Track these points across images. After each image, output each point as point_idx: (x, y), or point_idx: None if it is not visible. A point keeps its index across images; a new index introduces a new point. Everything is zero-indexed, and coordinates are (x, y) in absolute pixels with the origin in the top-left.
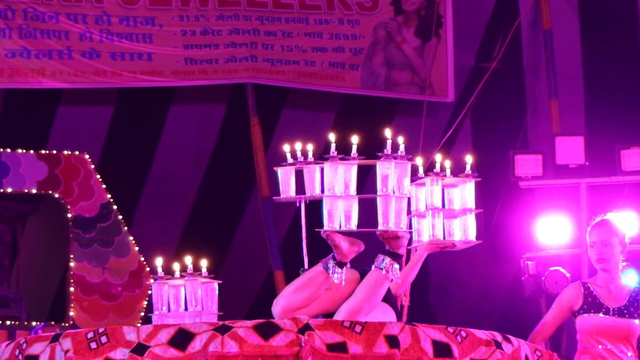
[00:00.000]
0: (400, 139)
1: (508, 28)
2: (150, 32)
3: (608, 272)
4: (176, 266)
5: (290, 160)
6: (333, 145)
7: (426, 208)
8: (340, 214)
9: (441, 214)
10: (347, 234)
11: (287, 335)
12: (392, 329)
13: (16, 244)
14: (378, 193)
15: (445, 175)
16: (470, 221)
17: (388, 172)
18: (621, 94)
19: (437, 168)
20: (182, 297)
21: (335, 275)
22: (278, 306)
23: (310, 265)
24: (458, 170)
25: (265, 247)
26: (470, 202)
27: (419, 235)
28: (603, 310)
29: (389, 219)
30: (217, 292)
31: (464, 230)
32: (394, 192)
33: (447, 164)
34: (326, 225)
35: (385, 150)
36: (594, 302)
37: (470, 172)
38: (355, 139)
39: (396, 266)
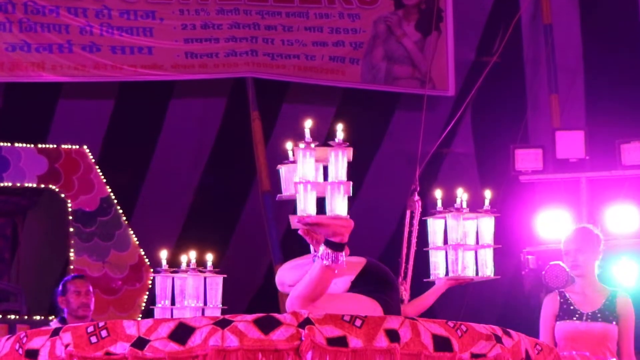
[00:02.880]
0: (340, 126)
1: (508, 22)
2: (150, 25)
3: (583, 278)
4: (183, 258)
5: (292, 157)
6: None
7: (445, 243)
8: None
9: (460, 250)
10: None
11: (287, 330)
12: (392, 323)
13: (16, 238)
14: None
15: (465, 211)
16: (488, 256)
17: (303, 161)
18: (622, 88)
19: (458, 203)
20: (186, 290)
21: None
22: (276, 276)
23: None
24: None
25: (266, 241)
26: (488, 238)
27: (435, 268)
28: (576, 315)
29: (307, 208)
30: (221, 286)
31: (482, 265)
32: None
33: (465, 196)
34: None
35: (305, 141)
36: (568, 308)
37: (489, 208)
38: (308, 123)
39: (329, 252)
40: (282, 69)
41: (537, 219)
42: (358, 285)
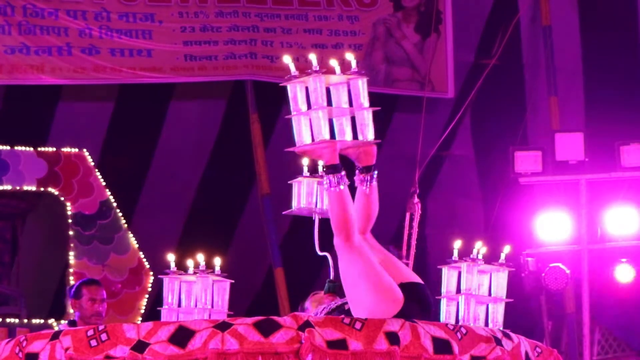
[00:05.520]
0: (312, 55)
1: (507, 24)
2: (149, 28)
3: None
4: (190, 263)
5: (306, 173)
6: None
7: (458, 292)
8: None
9: (473, 301)
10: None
11: (287, 332)
12: (392, 326)
13: (16, 241)
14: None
15: (480, 263)
16: (500, 310)
17: (293, 95)
18: (621, 91)
19: (474, 253)
20: (195, 294)
21: (333, 188)
22: None
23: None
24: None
25: (266, 244)
26: (502, 292)
27: (448, 318)
28: None
29: (302, 139)
30: (228, 291)
31: (493, 318)
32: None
33: (483, 250)
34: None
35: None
36: None
37: (504, 262)
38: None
39: (325, 177)
40: (281, 71)
41: (537, 221)
42: (404, 291)
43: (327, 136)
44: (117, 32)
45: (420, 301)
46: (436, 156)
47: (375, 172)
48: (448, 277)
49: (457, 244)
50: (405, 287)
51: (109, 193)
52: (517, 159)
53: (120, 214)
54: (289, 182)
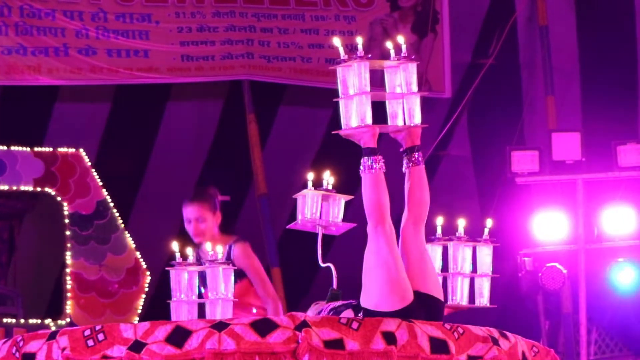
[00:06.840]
0: (359, 39)
1: (504, 24)
2: (146, 29)
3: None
4: (189, 251)
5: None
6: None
7: (443, 270)
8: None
9: (459, 278)
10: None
11: (284, 332)
12: (389, 326)
13: (13, 242)
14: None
15: (466, 240)
16: (485, 285)
17: (342, 79)
18: (617, 90)
19: (460, 231)
20: (195, 283)
21: (372, 170)
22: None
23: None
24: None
25: (262, 243)
26: (487, 267)
27: None
28: None
29: (348, 121)
30: (233, 278)
31: (478, 293)
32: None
33: (463, 223)
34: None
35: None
36: None
37: (487, 237)
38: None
39: (362, 159)
40: (278, 72)
41: (534, 221)
42: (417, 297)
43: (369, 120)
44: (113, 32)
45: (429, 313)
46: (433, 156)
47: (420, 154)
48: (432, 254)
49: (440, 221)
50: (422, 295)
51: (105, 193)
52: (513, 158)
53: (117, 214)
54: (293, 196)
